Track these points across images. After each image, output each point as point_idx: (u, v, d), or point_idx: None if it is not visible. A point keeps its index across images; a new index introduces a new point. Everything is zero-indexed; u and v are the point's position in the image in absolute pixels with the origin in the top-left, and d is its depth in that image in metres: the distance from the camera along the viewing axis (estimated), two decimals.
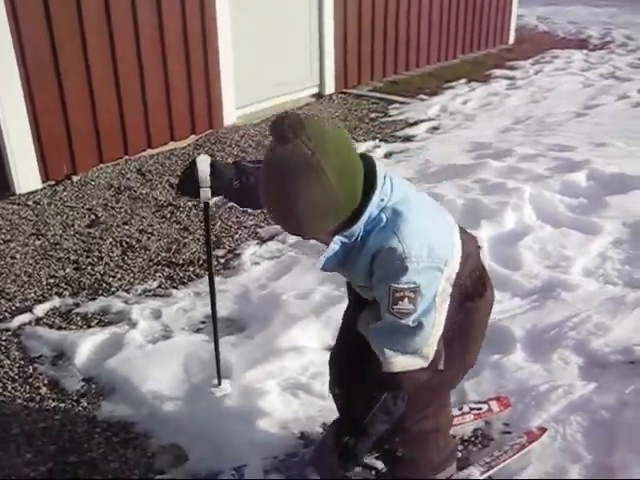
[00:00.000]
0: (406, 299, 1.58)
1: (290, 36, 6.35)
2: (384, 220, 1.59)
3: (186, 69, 5.34)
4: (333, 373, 2.18)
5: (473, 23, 8.67)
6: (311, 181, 1.46)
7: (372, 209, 1.58)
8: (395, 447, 1.91)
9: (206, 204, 2.13)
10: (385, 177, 1.63)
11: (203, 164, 1.98)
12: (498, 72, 7.85)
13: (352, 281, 1.82)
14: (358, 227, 1.59)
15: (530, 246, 3.51)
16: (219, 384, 2.49)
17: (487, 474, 2.21)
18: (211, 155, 5.27)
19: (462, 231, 1.83)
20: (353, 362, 1.99)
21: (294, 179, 1.46)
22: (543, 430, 2.37)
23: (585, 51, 9.00)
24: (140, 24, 4.88)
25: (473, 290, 1.83)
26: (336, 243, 1.61)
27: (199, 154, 2.06)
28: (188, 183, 2.01)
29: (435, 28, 8.02)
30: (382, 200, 1.60)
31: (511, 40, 9.65)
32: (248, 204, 2.09)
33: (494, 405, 2.51)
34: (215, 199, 2.13)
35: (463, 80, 7.49)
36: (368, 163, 1.61)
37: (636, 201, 3.96)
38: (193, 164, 1.99)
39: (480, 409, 2.48)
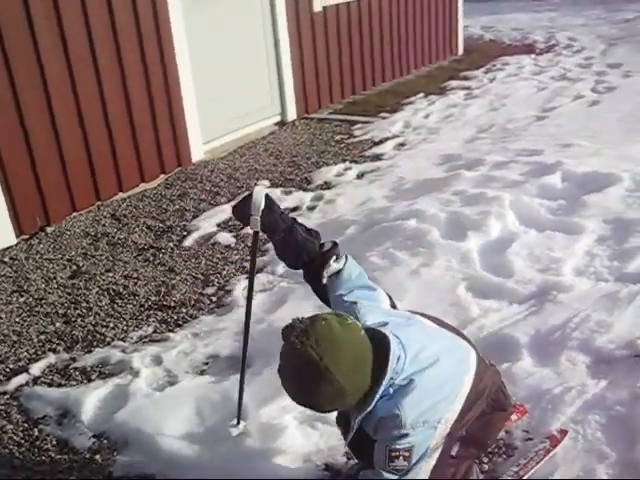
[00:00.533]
0: (401, 457, 1.77)
1: (249, 68, 6.39)
2: (390, 393, 1.77)
3: (150, 109, 5.33)
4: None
5: (422, 37, 8.85)
6: (320, 383, 1.65)
7: (381, 388, 1.75)
8: None
9: (255, 233, 2.13)
10: (399, 358, 1.76)
11: (259, 194, 2.04)
12: (454, 83, 8.01)
13: None
14: (370, 407, 1.77)
15: (518, 252, 3.56)
16: (238, 423, 2.45)
17: None
18: (185, 193, 5.23)
19: (481, 363, 1.97)
20: None
21: (304, 383, 1.68)
22: (564, 432, 2.39)
23: (533, 55, 9.26)
24: (101, 71, 4.87)
25: (491, 410, 2.01)
26: (356, 424, 1.83)
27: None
28: (242, 209, 2.08)
29: (387, 46, 8.17)
30: (391, 379, 1.76)
31: (460, 51, 9.87)
32: (282, 258, 2.19)
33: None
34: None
35: (421, 94, 7.62)
36: (384, 345, 1.76)
37: (612, 198, 4.05)
38: (251, 193, 2.06)
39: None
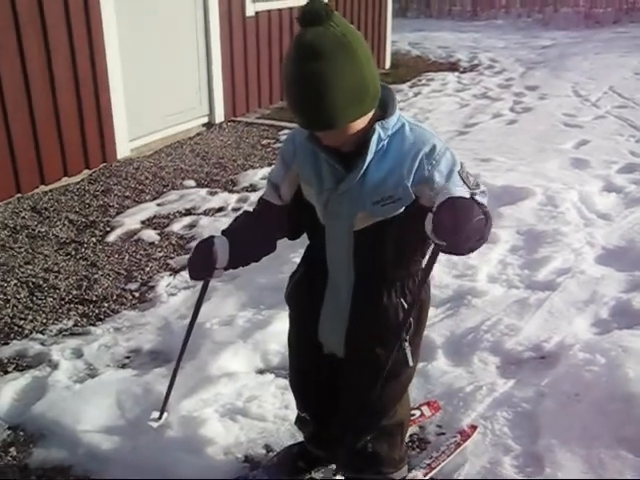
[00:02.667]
0: (468, 175, 1.69)
1: (179, 68, 6.37)
2: (407, 124, 1.70)
3: (77, 103, 5.23)
4: (300, 398, 2.22)
5: None
6: (344, 60, 1.50)
7: (396, 112, 1.68)
8: (366, 443, 2.00)
9: (207, 281, 1.97)
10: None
11: (222, 246, 1.84)
12: None
13: (363, 201, 1.73)
14: (394, 118, 1.67)
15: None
16: (160, 417, 2.46)
17: (429, 475, 2.33)
18: (109, 189, 5.13)
19: None
20: (323, 380, 2.07)
21: (329, 57, 1.49)
22: (474, 428, 2.52)
23: (457, 73, 9.59)
24: (27, 59, 4.75)
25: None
26: (375, 132, 1.64)
27: (210, 238, 1.86)
28: (202, 263, 1.84)
29: None
30: (400, 109, 1.72)
31: (387, 65, 10.11)
32: (245, 261, 1.95)
33: (425, 410, 2.64)
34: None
35: None
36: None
37: (525, 210, 4.29)
38: (208, 245, 1.83)
39: (413, 415, 2.59)
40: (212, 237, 1.86)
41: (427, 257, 1.69)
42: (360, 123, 1.61)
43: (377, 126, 1.64)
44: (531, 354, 2.94)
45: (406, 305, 1.83)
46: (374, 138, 1.64)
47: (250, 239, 1.90)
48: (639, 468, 2.28)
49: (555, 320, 3.17)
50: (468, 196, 1.56)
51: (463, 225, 1.46)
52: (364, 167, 1.67)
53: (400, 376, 1.93)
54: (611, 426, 2.44)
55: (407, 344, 1.85)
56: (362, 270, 1.84)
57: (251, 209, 2.01)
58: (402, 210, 1.71)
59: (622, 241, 3.98)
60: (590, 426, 2.46)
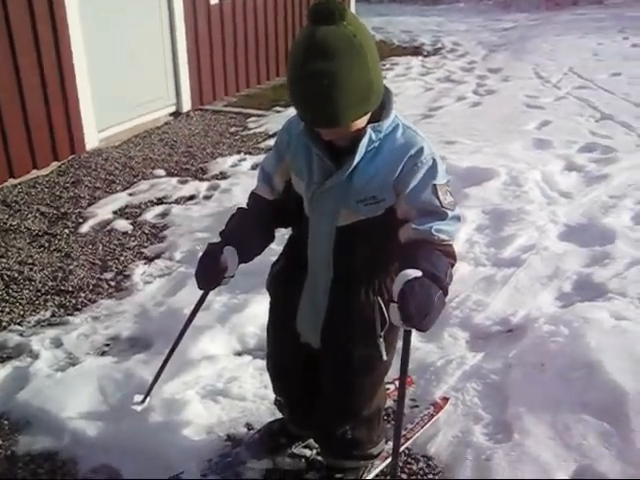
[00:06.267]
0: (448, 193, 1.70)
1: (145, 58, 6.37)
2: (401, 126, 1.71)
3: (43, 95, 5.22)
4: (277, 383, 2.28)
5: None
6: (355, 61, 1.51)
7: (392, 114, 1.69)
8: (346, 431, 2.10)
9: (207, 293, 2.04)
10: None
11: (232, 256, 1.86)
12: None
13: (348, 199, 1.74)
14: (388, 121, 1.67)
15: None
16: (143, 401, 2.52)
17: (405, 445, 2.44)
18: (79, 180, 5.12)
19: None
20: (299, 367, 2.11)
21: (340, 57, 1.49)
22: (446, 400, 2.64)
23: (420, 57, 9.71)
24: None
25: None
26: (367, 134, 1.65)
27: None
28: (212, 275, 1.88)
29: (282, 41, 8.33)
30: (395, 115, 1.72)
31: None
32: (251, 259, 1.96)
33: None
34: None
35: None
36: None
37: (490, 190, 4.43)
38: (216, 256, 1.86)
39: (388, 389, 2.70)
40: (217, 246, 1.88)
41: (401, 343, 1.73)
42: (362, 121, 1.64)
43: (369, 129, 1.65)
44: (498, 328, 3.06)
45: (382, 303, 1.85)
46: (364, 141, 1.65)
47: (252, 238, 1.92)
48: (601, 431, 2.41)
49: (520, 295, 3.31)
50: (420, 274, 1.56)
51: (428, 310, 1.54)
52: (352, 166, 1.68)
53: (375, 370, 1.99)
54: (575, 393, 2.57)
55: (381, 340, 1.84)
56: (341, 266, 1.86)
57: (244, 206, 2.02)
58: (384, 211, 1.74)
59: (583, 218, 4.14)
60: (555, 393, 2.59)
